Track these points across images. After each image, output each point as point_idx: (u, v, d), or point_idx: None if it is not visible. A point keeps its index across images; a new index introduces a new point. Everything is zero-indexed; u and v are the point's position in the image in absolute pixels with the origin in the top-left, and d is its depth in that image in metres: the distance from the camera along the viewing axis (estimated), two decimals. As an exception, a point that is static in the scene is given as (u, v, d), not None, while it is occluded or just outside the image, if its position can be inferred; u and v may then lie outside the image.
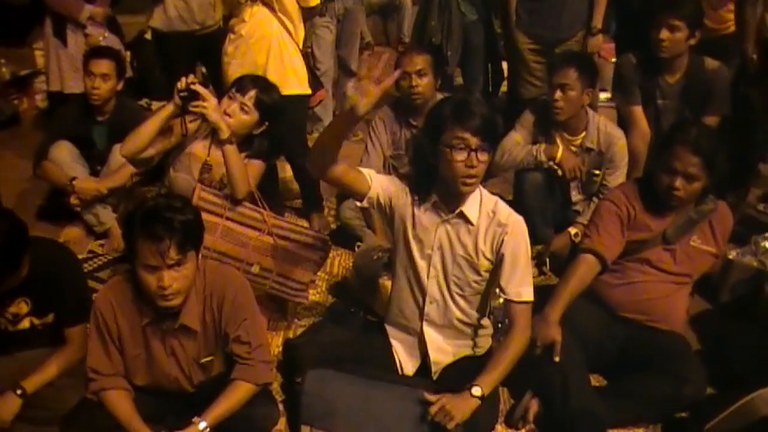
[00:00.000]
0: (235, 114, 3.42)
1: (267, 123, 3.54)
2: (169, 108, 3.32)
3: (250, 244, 3.39)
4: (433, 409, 2.64)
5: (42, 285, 2.76)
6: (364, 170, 2.87)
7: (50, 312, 2.84)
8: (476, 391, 2.69)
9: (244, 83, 3.48)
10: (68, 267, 2.89)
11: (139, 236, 2.43)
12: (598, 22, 4.66)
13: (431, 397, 2.68)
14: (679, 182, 3.00)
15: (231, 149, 3.33)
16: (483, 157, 2.64)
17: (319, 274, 3.98)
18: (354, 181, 2.82)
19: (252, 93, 3.45)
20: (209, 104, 3.28)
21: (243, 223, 3.40)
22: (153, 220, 2.42)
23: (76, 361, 2.83)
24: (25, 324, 2.82)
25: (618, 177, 3.95)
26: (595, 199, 3.99)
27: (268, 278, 3.43)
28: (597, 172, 3.99)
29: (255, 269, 3.40)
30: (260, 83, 3.52)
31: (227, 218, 3.37)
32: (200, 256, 2.59)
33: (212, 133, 3.44)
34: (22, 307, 2.79)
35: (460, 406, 2.66)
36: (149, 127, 3.34)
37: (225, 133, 3.31)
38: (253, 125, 3.50)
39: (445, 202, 2.80)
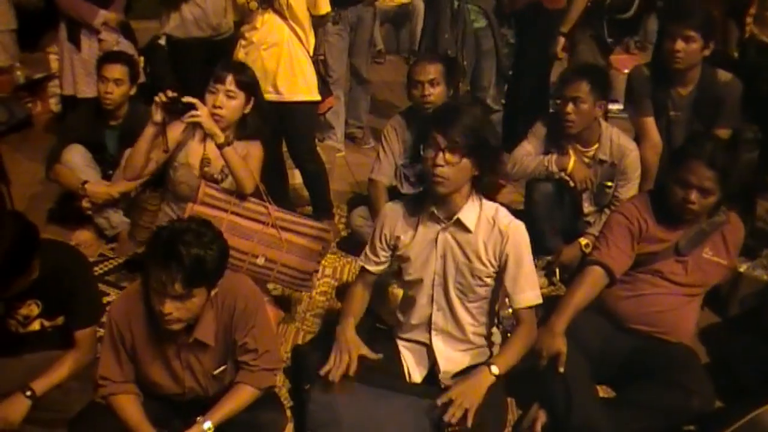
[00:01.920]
0: (224, 104, 3.44)
1: (253, 98, 3.56)
2: (150, 129, 3.34)
3: (255, 237, 3.42)
4: (448, 414, 2.63)
5: (52, 287, 2.77)
6: (365, 262, 3.07)
7: (60, 314, 2.85)
8: (495, 369, 2.72)
9: (218, 73, 3.48)
10: (79, 269, 2.90)
11: (152, 258, 2.43)
12: (564, 27, 4.88)
13: (439, 401, 2.69)
14: (694, 196, 2.99)
15: (230, 151, 3.36)
16: (451, 157, 2.66)
17: (328, 281, 4.01)
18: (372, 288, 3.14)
19: (230, 77, 3.45)
20: (202, 112, 3.31)
21: (248, 217, 3.44)
22: (167, 248, 2.39)
23: (85, 363, 2.85)
24: (36, 326, 2.83)
25: (630, 189, 3.93)
26: (606, 210, 3.98)
27: (273, 269, 3.45)
28: (609, 183, 3.97)
29: (260, 261, 3.43)
30: (233, 66, 3.55)
31: (232, 213, 3.40)
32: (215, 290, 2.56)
33: (202, 130, 3.48)
34: (33, 309, 2.81)
35: (474, 388, 2.69)
36: (139, 150, 3.38)
37: (220, 138, 3.33)
38: (243, 106, 3.51)
39: (441, 209, 2.81)
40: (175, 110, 3.29)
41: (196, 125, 3.40)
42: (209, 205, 3.35)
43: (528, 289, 2.82)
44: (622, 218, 3.19)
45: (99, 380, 2.65)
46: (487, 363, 2.78)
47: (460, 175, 2.71)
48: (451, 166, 2.67)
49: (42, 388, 2.75)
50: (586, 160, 3.97)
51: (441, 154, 2.66)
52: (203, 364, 2.68)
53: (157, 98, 3.28)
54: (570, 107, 3.83)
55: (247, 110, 3.53)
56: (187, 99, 3.29)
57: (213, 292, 2.54)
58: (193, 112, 3.29)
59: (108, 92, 4.18)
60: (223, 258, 2.52)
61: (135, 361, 2.66)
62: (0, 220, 2.62)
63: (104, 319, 2.80)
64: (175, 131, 3.50)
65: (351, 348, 2.86)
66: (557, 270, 4.01)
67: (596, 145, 3.96)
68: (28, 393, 2.72)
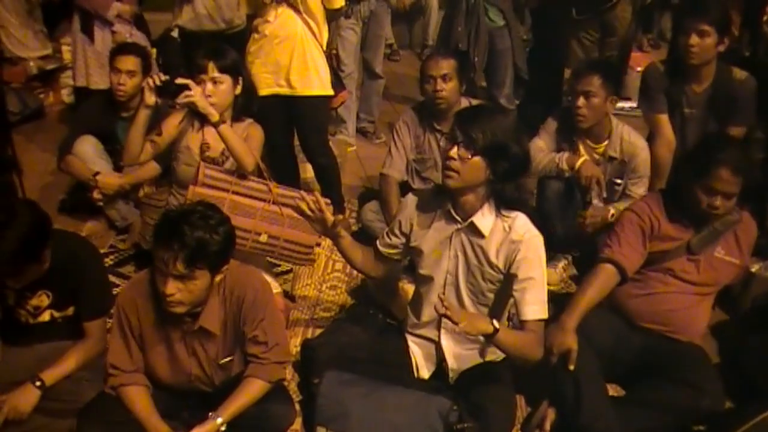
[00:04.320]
0: (213, 91, 3.44)
1: (240, 78, 3.56)
2: (143, 113, 3.39)
3: (257, 214, 3.43)
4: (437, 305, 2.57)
5: (63, 278, 2.78)
6: (380, 245, 3.08)
7: (71, 305, 2.86)
8: (496, 323, 2.60)
9: (198, 63, 3.48)
10: (89, 260, 2.90)
11: (156, 237, 2.45)
12: None
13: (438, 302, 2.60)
14: (719, 201, 2.98)
15: (225, 128, 3.37)
16: (464, 152, 2.65)
17: (338, 275, 4.00)
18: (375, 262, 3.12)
19: (211, 65, 3.45)
20: (195, 92, 3.33)
21: (249, 196, 3.45)
22: (170, 228, 2.42)
23: (95, 354, 2.85)
24: (46, 317, 2.84)
25: (641, 186, 3.93)
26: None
27: (276, 245, 3.48)
28: (618, 181, 3.96)
29: (263, 238, 3.44)
30: (211, 53, 3.52)
31: (233, 192, 3.41)
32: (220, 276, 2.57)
33: (198, 118, 3.50)
34: (43, 299, 2.81)
35: (471, 317, 2.64)
36: (135, 134, 3.43)
37: (215, 116, 3.35)
38: (232, 88, 3.52)
39: (459, 211, 2.80)
40: (168, 92, 3.31)
41: (193, 110, 3.42)
42: (210, 185, 3.37)
43: (535, 302, 2.75)
44: (634, 216, 3.18)
45: (109, 368, 2.66)
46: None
47: (471, 172, 2.68)
48: (462, 162, 2.66)
49: (51, 379, 2.75)
50: (596, 156, 3.96)
51: (455, 148, 2.66)
52: (208, 352, 2.69)
53: (149, 81, 3.30)
54: (581, 101, 3.81)
55: (237, 91, 3.54)
56: (180, 80, 3.31)
57: (218, 278, 2.55)
58: (187, 93, 3.31)
59: (121, 84, 4.19)
60: (229, 242, 2.54)
61: (142, 348, 2.68)
62: (13, 209, 2.61)
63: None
64: (173, 120, 3.53)
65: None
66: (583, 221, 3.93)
67: (606, 142, 3.95)
68: (38, 383, 2.73)
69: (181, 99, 3.32)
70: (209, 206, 2.58)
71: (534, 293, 2.75)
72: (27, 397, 2.71)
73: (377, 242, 3.08)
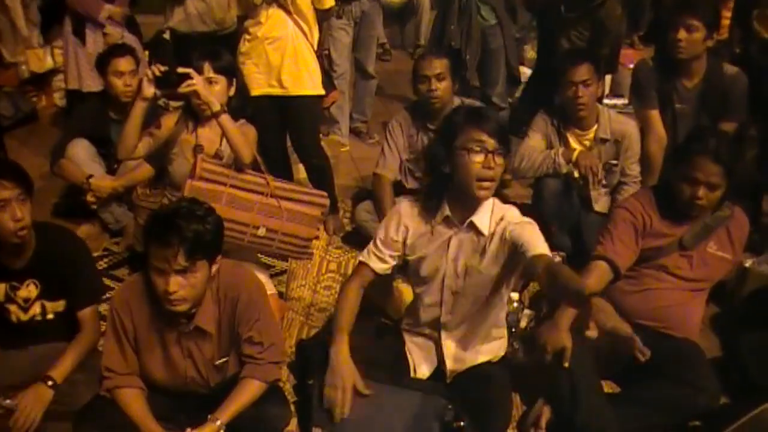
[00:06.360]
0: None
1: (234, 80, 3.58)
2: (140, 105, 3.37)
3: (254, 208, 3.44)
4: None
5: (50, 266, 2.79)
6: (367, 259, 2.94)
7: (60, 297, 2.86)
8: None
9: (195, 63, 3.48)
10: (76, 249, 2.92)
11: (151, 238, 2.46)
12: None
13: None
14: (702, 192, 2.98)
15: (225, 118, 3.37)
16: (499, 160, 2.64)
17: (333, 276, 4.00)
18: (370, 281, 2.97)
19: (207, 65, 3.47)
20: (198, 80, 3.33)
21: (247, 189, 3.45)
22: (165, 224, 2.43)
23: (92, 343, 2.87)
24: (36, 309, 2.85)
25: (636, 166, 4.02)
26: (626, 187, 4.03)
27: (274, 239, 3.48)
28: (615, 162, 4.00)
29: (261, 232, 3.45)
30: (207, 54, 3.53)
31: (231, 186, 3.41)
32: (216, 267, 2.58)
33: (193, 118, 3.54)
34: (32, 289, 2.82)
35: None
36: (131, 127, 3.42)
37: (216, 106, 3.35)
38: (226, 90, 3.54)
39: (457, 214, 2.79)
40: (168, 83, 3.30)
41: (188, 109, 3.45)
42: (207, 179, 3.37)
43: (545, 247, 2.62)
44: (626, 213, 3.18)
45: (103, 372, 2.66)
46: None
47: (500, 175, 2.70)
48: (499, 168, 2.66)
49: (61, 375, 2.75)
50: (587, 142, 4.00)
51: (491, 157, 2.63)
52: (204, 353, 2.69)
53: (148, 72, 3.30)
54: (582, 91, 3.87)
55: (231, 92, 3.56)
56: (181, 69, 3.31)
57: (213, 269, 2.56)
58: (189, 81, 3.30)
59: (128, 85, 4.19)
60: (219, 231, 2.57)
61: (137, 350, 2.68)
62: None
63: (106, 312, 2.82)
64: (168, 121, 3.56)
65: (346, 382, 2.77)
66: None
67: (595, 126, 4.00)
68: (50, 382, 2.72)
69: (183, 88, 3.30)
70: (193, 200, 2.62)
71: (542, 244, 2.64)
72: (40, 397, 2.70)
73: (368, 264, 2.94)
